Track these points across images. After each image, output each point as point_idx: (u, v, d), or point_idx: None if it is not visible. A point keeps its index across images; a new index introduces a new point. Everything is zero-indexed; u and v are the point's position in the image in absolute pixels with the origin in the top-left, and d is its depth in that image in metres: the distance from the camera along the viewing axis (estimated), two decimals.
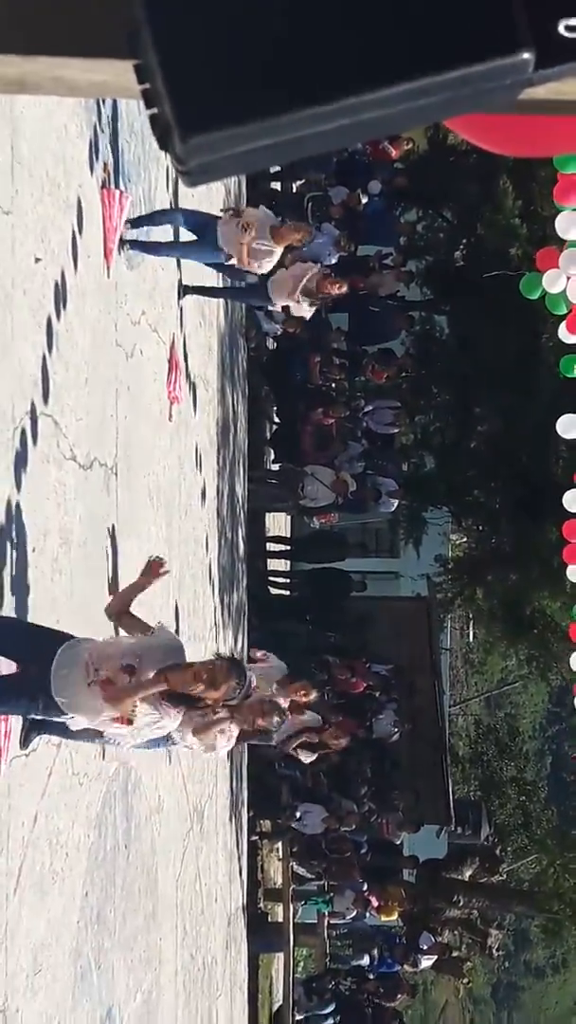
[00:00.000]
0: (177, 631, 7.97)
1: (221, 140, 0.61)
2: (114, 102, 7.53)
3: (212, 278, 9.46)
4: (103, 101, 7.20)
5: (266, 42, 0.61)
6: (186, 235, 7.33)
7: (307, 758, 9.07)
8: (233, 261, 6.92)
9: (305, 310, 8.54)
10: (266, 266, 6.91)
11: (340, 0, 0.62)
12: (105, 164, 7.46)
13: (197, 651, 8.44)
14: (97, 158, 6.92)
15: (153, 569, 4.46)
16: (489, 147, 1.06)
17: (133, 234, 7.58)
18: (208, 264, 7.70)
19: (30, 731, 5.00)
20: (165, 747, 5.20)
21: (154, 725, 4.04)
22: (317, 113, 0.60)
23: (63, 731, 4.61)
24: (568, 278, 6.39)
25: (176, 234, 7.50)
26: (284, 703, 7.06)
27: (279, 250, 6.79)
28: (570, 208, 6.19)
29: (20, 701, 4.29)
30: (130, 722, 3.92)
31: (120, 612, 4.35)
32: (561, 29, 0.63)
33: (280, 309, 9.01)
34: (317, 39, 0.61)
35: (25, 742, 5.08)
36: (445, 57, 0.61)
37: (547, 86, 0.66)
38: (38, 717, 4.51)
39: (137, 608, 4.99)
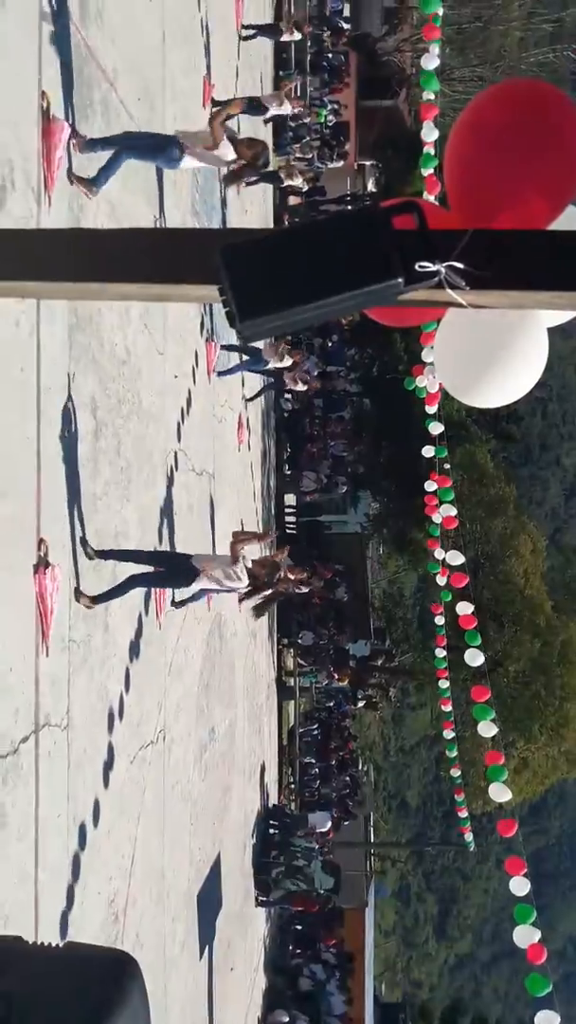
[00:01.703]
0: None
1: (260, 321, 1.20)
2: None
3: (258, 380, 15.57)
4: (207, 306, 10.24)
5: (281, 276, 1.18)
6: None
7: (304, 588, 15.51)
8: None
9: (299, 387, 17.20)
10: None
11: (311, 258, 1.18)
12: (210, 333, 11.02)
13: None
14: (203, 330, 11.14)
15: (264, 533, 8.50)
16: (383, 320, 2.16)
17: (223, 361, 11.42)
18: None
19: (174, 600, 8.39)
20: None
21: (234, 579, 6.83)
22: (305, 308, 1.19)
23: (193, 596, 8.03)
24: (427, 381, 10.19)
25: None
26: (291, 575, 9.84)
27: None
28: (428, 347, 9.39)
29: (168, 583, 7.37)
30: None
31: (236, 541, 6.88)
32: (416, 266, 1.20)
33: (288, 385, 17.32)
34: (304, 275, 1.20)
35: (173, 603, 8.52)
36: (363, 281, 1.18)
37: (411, 294, 1.22)
38: (178, 596, 7.93)
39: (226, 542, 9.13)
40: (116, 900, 6.99)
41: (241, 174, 6.82)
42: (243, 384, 14.65)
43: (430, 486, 11.78)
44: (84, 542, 6.30)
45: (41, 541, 5.54)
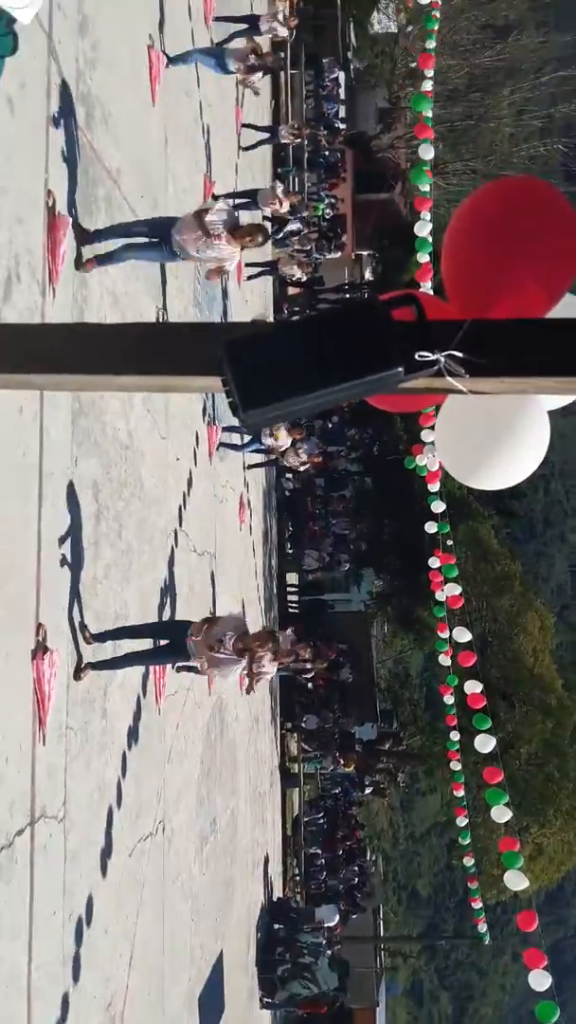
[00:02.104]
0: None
1: (262, 411, 1.25)
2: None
3: (259, 457, 14.92)
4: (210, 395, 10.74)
5: (283, 367, 1.21)
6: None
7: (308, 665, 13.67)
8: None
9: (299, 461, 17.22)
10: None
11: (313, 350, 1.22)
12: (211, 416, 11.47)
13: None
14: (205, 414, 11.32)
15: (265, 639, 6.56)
16: (383, 406, 2.22)
17: (225, 437, 11.53)
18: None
19: (175, 667, 8.11)
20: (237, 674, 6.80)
21: (232, 666, 6.38)
22: (307, 397, 1.25)
23: (190, 669, 7.39)
24: (427, 459, 10.58)
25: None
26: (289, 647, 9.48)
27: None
28: (428, 428, 10.36)
29: (169, 657, 7.03)
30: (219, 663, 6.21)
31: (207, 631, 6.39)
32: (416, 356, 1.25)
33: (289, 465, 17.46)
34: (305, 366, 1.24)
35: (175, 669, 8.17)
36: (364, 370, 1.23)
37: (412, 382, 1.28)
38: (178, 664, 7.46)
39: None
40: (113, 1004, 6.65)
41: (221, 271, 6.88)
42: (244, 465, 14.78)
43: (434, 562, 11.74)
44: (83, 627, 6.23)
45: (40, 626, 5.48)
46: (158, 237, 6.60)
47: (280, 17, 12.47)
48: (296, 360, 1.29)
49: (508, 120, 27.65)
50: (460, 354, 1.29)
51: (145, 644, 6.88)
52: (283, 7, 21.08)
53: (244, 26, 12.32)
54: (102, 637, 6.41)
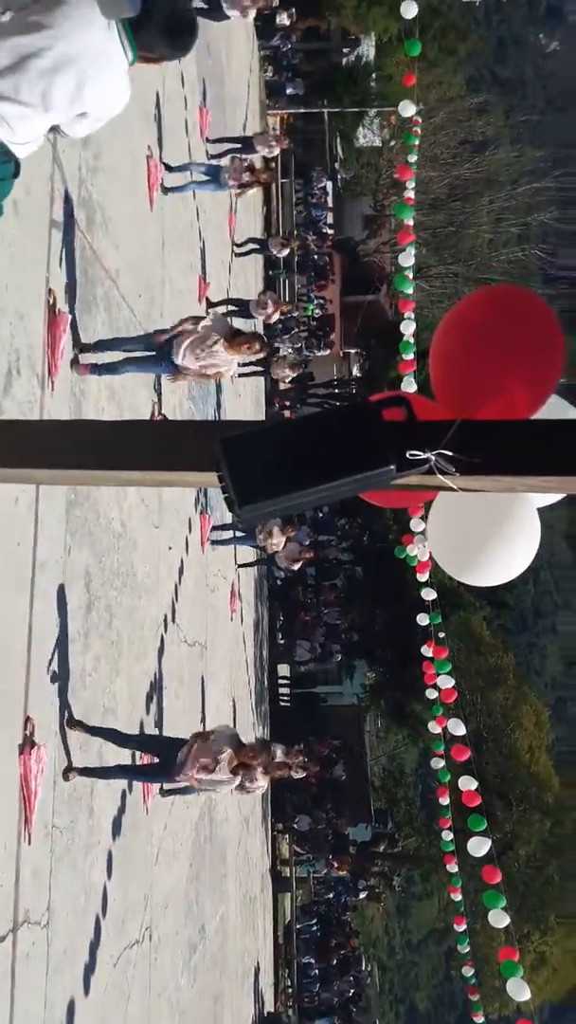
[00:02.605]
0: (234, 724, 13.09)
1: (257, 507, 1.29)
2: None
3: (251, 553, 16.27)
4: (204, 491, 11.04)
5: (278, 465, 1.27)
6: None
7: (297, 775, 12.14)
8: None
9: (293, 567, 17.28)
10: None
11: (307, 448, 1.28)
12: (203, 506, 11.32)
13: (247, 736, 16.17)
14: (197, 504, 11.27)
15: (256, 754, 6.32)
16: (376, 502, 2.18)
17: (215, 536, 11.61)
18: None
19: (162, 789, 8.04)
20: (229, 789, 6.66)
21: (226, 785, 6.29)
22: (302, 494, 1.30)
23: (182, 789, 7.21)
24: (417, 549, 10.52)
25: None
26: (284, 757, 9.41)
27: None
28: (417, 517, 12.89)
29: (158, 777, 6.91)
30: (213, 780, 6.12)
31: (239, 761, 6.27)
32: (407, 454, 1.32)
33: (282, 567, 17.44)
34: (300, 464, 1.29)
35: (161, 792, 8.17)
36: (357, 468, 1.28)
37: (403, 479, 1.34)
38: (166, 785, 7.33)
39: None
40: None
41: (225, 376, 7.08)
42: (235, 555, 14.82)
43: (427, 651, 11.64)
44: (72, 722, 6.11)
45: (28, 720, 5.38)
46: (156, 352, 6.83)
47: (271, 139, 13.23)
48: (291, 458, 1.34)
49: (487, 227, 28.99)
50: (450, 453, 1.34)
51: (126, 753, 6.72)
52: (274, 124, 22.35)
53: (238, 145, 13.03)
54: (94, 731, 6.28)
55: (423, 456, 1.34)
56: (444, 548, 1.95)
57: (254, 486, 1.34)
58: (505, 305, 1.80)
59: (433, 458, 1.35)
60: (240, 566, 14.74)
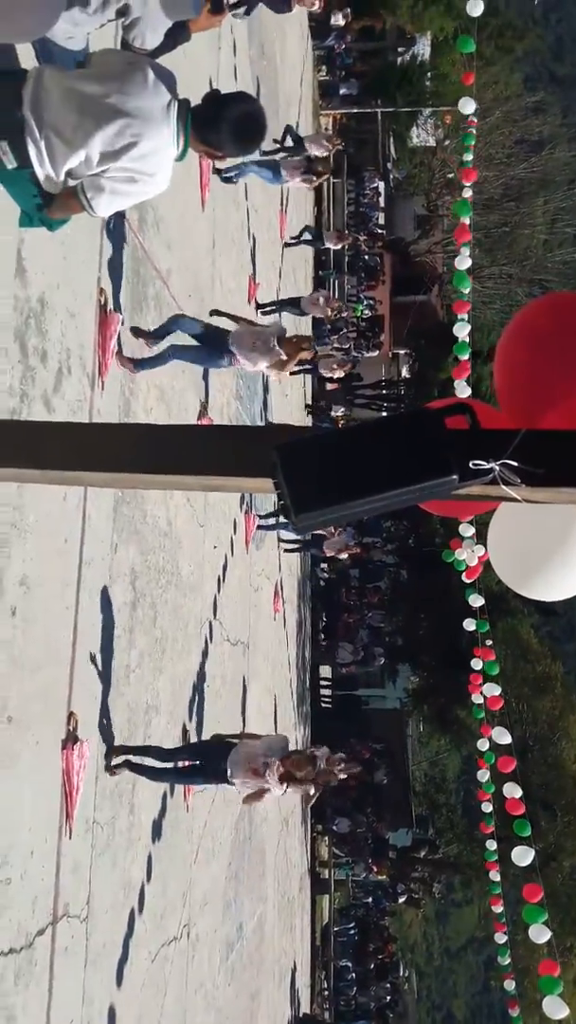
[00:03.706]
0: (275, 725, 13.34)
1: (313, 515, 1.28)
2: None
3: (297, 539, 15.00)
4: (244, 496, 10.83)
5: (336, 473, 1.25)
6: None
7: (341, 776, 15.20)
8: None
9: (339, 557, 16.99)
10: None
11: (366, 456, 1.26)
12: (248, 505, 11.54)
13: (290, 737, 16.16)
14: (243, 503, 11.45)
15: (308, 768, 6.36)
16: (438, 512, 2.36)
17: (263, 523, 11.55)
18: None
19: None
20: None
21: (271, 788, 6.30)
22: (360, 502, 1.29)
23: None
24: (465, 554, 10.17)
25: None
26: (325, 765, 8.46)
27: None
28: (466, 522, 11.07)
29: (197, 779, 6.90)
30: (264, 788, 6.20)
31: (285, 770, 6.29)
32: (471, 464, 1.30)
33: (327, 554, 17.22)
34: (359, 472, 1.27)
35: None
36: (419, 477, 1.27)
37: (465, 489, 1.34)
38: (204, 785, 7.15)
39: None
40: None
41: (286, 367, 7.18)
42: (279, 555, 14.73)
43: (475, 663, 11.43)
44: (111, 768, 6.03)
45: (71, 715, 5.42)
46: (212, 344, 6.99)
47: (323, 139, 13.21)
48: (349, 465, 1.30)
49: (542, 227, 28.55)
50: (515, 463, 1.29)
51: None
52: (327, 124, 22.29)
53: (292, 145, 13.02)
54: (135, 768, 6.26)
55: (487, 466, 1.29)
56: (505, 560, 1.89)
57: (310, 494, 1.31)
58: (571, 312, 1.75)
59: (497, 468, 1.30)
60: (285, 547, 14.55)
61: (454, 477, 1.31)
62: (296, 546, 15.76)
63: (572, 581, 1.77)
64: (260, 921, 11.95)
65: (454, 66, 25.85)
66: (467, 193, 9.84)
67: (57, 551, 5.35)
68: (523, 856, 9.16)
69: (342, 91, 24.59)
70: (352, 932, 19.89)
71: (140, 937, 6.54)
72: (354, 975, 18.97)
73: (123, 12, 2.68)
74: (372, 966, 19.32)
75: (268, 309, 12.35)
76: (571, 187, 28.89)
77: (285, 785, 6.31)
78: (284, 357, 7.04)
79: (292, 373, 15.67)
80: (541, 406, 1.63)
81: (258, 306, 12.12)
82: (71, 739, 5.33)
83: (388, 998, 19.44)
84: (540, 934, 8.98)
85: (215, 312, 8.65)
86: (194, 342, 7.09)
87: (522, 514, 1.68)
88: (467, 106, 10.15)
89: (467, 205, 9.33)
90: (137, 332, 6.69)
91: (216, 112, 2.53)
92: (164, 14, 2.29)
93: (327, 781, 7.13)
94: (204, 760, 6.64)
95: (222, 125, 2.51)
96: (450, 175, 25.57)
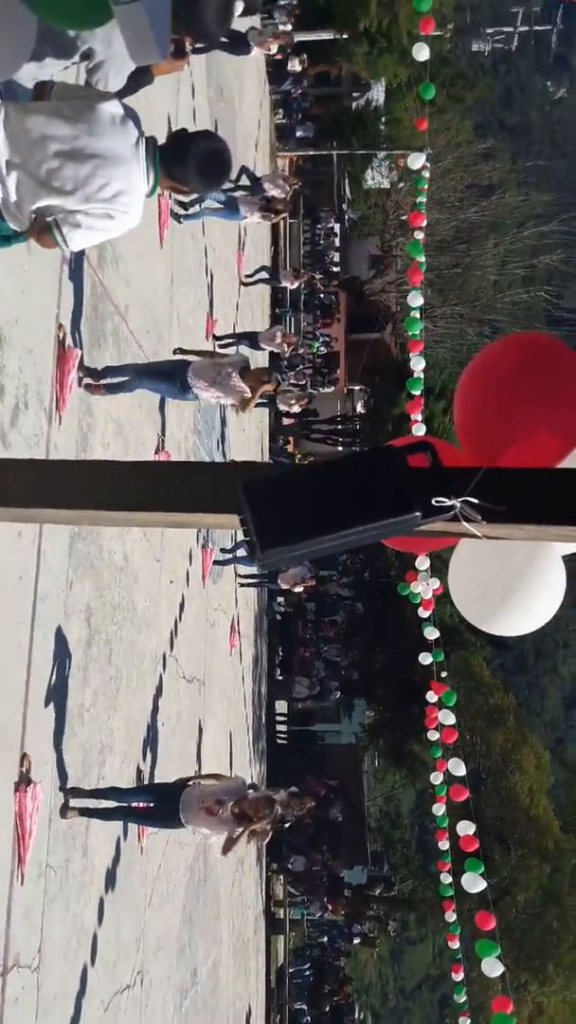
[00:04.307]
0: (231, 763, 13.14)
1: (280, 551, 1.29)
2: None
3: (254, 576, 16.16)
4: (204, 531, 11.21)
5: (301, 510, 1.28)
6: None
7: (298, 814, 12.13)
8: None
9: (293, 590, 17.01)
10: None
11: (331, 494, 1.27)
12: (205, 540, 11.35)
13: (246, 774, 15.84)
14: (199, 537, 11.26)
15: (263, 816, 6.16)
16: (399, 547, 2.45)
17: (221, 557, 11.81)
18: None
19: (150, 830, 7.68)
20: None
21: (225, 830, 6.19)
22: (325, 539, 1.30)
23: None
24: (420, 587, 10.22)
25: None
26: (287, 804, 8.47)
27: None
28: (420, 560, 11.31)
29: (150, 821, 6.81)
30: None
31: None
32: (432, 501, 1.31)
33: (283, 587, 17.28)
34: (323, 510, 1.28)
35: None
36: (382, 515, 1.28)
37: (427, 526, 1.34)
38: (159, 828, 7.10)
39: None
40: None
41: (249, 403, 7.21)
42: (236, 590, 14.65)
43: (431, 696, 11.46)
44: (66, 809, 5.91)
45: (24, 756, 5.29)
46: (172, 375, 6.99)
47: (280, 179, 13.45)
48: (314, 503, 1.32)
49: (492, 269, 29.36)
50: (476, 500, 1.33)
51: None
52: (284, 166, 22.70)
53: (248, 184, 13.22)
54: (90, 813, 6.15)
55: (449, 503, 1.32)
56: (466, 596, 1.92)
57: (277, 531, 1.32)
58: (532, 353, 1.80)
59: (459, 505, 1.34)
60: (241, 582, 14.63)
61: (417, 514, 1.33)
62: (253, 580, 15.74)
63: (533, 616, 1.80)
64: (215, 964, 11.76)
65: (407, 111, 26.64)
66: (419, 235, 10.10)
67: (11, 587, 5.27)
68: (474, 883, 9.11)
69: (299, 133, 25.14)
70: (307, 973, 19.55)
71: (93, 986, 6.35)
72: (309, 1018, 18.60)
73: (87, 55, 2.73)
74: (327, 1009, 18.98)
75: (226, 342, 12.44)
76: (520, 230, 29.82)
77: (240, 828, 6.22)
78: (248, 394, 7.07)
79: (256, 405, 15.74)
80: (501, 444, 1.67)
81: (215, 339, 12.20)
82: (24, 781, 5.21)
83: None
84: (493, 968, 8.91)
85: (179, 351, 8.68)
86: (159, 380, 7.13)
87: (482, 550, 1.71)
88: (416, 161, 10.50)
89: (419, 245, 9.58)
90: (91, 384, 6.64)
91: (183, 149, 2.60)
92: (130, 57, 2.33)
93: (282, 823, 7.04)
94: (159, 801, 6.54)
95: (188, 161, 2.58)
96: (403, 217, 26.19)
